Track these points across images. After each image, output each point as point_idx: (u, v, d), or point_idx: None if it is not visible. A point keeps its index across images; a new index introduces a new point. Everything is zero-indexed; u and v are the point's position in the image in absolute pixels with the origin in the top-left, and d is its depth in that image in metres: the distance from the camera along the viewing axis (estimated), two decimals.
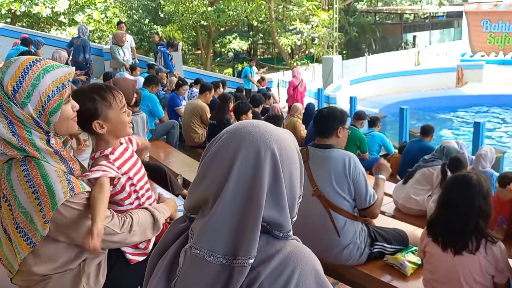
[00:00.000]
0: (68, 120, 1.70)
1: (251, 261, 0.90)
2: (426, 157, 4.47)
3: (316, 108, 9.43)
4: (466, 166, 4.01)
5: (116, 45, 9.00)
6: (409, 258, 2.80)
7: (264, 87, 12.73)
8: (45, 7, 15.44)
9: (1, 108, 1.55)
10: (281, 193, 0.94)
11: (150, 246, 2.07)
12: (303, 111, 8.02)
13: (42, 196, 1.58)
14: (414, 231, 3.19)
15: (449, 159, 4.05)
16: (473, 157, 5.56)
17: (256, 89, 12.32)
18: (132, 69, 8.87)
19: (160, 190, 3.65)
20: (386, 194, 4.68)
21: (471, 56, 21.71)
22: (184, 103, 7.35)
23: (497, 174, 5.68)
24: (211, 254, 0.90)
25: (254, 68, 13.41)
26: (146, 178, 2.14)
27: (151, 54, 22.28)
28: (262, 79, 12.93)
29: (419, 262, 2.75)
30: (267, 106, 8.99)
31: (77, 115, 1.76)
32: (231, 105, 6.21)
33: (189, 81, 8.60)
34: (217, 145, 0.96)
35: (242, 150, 0.93)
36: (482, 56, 21.37)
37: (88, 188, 1.72)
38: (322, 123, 2.96)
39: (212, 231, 0.91)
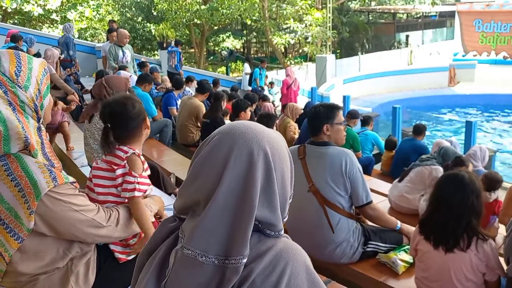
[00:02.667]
0: (51, 107, 1.82)
1: (245, 260, 0.90)
2: (423, 156, 4.50)
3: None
4: (467, 165, 4.04)
5: (116, 45, 7.95)
6: (401, 257, 2.80)
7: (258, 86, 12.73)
8: (37, 6, 15.32)
9: (6, 94, 1.58)
10: (274, 193, 0.95)
11: None
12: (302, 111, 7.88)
13: (25, 188, 1.58)
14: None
15: (452, 160, 4.07)
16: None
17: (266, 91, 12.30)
18: (122, 69, 7.95)
19: (152, 189, 3.64)
20: (380, 193, 4.73)
21: (463, 56, 21.84)
22: (179, 102, 7.30)
23: None
24: (203, 255, 0.90)
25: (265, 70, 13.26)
26: None
27: (144, 52, 22.25)
28: (271, 84, 12.87)
29: (411, 261, 2.76)
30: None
31: (123, 119, 2.08)
32: (224, 104, 6.20)
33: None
34: (209, 146, 0.96)
35: (235, 150, 0.93)
36: (474, 55, 21.50)
37: (71, 179, 1.73)
38: (310, 122, 3.03)
39: (205, 231, 0.91)
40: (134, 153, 2.08)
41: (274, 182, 0.95)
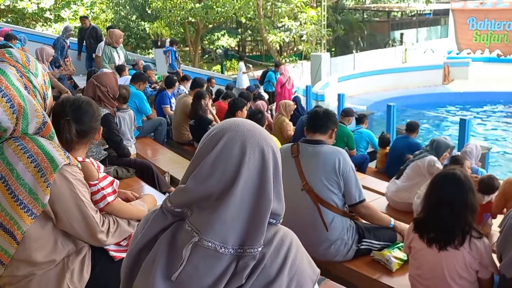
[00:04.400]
0: (52, 102, 1.90)
1: (260, 249, 1.00)
2: (416, 152, 4.53)
3: (301, 102, 9.48)
4: (463, 164, 4.05)
5: (110, 46, 7.51)
6: (395, 254, 2.82)
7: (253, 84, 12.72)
8: (31, 3, 15.20)
9: (22, 78, 1.70)
10: (280, 186, 1.07)
11: None
12: (295, 106, 7.89)
13: (41, 163, 1.64)
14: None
15: (450, 159, 4.08)
16: (459, 153, 5.63)
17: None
18: (120, 70, 7.65)
19: (147, 187, 3.63)
20: (375, 191, 4.75)
21: (457, 54, 21.93)
22: (173, 100, 7.29)
23: (483, 170, 5.77)
24: (222, 246, 0.97)
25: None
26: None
27: (139, 50, 22.17)
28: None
29: (405, 258, 2.77)
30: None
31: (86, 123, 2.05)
32: (207, 102, 6.18)
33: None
34: (220, 144, 1.02)
35: (248, 148, 1.01)
36: (468, 53, 21.59)
37: (79, 165, 1.82)
38: (320, 120, 2.99)
39: (224, 224, 0.98)
40: (77, 164, 1.95)
41: (280, 176, 1.06)
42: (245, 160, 1.00)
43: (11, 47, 7.02)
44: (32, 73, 1.74)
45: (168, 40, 13.95)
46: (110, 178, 2.09)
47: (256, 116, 5.44)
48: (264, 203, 1.00)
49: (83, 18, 10.23)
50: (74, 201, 1.74)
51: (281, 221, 1.09)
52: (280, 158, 1.08)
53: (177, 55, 11.66)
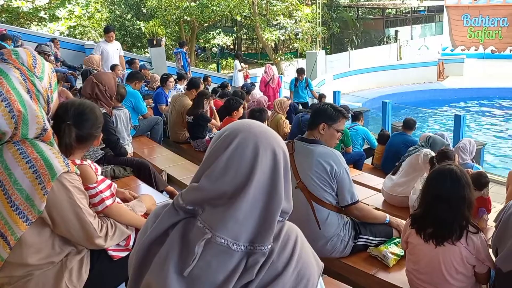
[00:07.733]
0: (57, 104, 1.90)
1: (270, 246, 1.02)
2: (411, 148, 4.53)
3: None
4: (454, 159, 4.06)
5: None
6: (392, 250, 2.83)
7: (248, 81, 12.72)
8: (26, 1, 15.09)
9: (25, 82, 1.69)
10: (289, 185, 1.10)
11: (131, 243, 2.08)
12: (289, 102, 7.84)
13: (40, 169, 1.64)
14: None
15: (438, 153, 4.09)
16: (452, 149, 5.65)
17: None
18: (112, 69, 7.86)
19: (144, 186, 3.64)
20: (371, 187, 4.76)
21: (451, 50, 21.98)
22: (169, 99, 7.27)
23: (478, 166, 5.80)
24: (234, 243, 1.00)
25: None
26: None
27: (134, 49, 22.10)
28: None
29: (402, 253, 2.79)
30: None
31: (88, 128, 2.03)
32: (208, 102, 6.17)
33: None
34: (234, 144, 1.04)
35: (261, 149, 1.04)
36: (462, 50, 21.66)
37: (78, 171, 1.81)
38: (311, 116, 3.02)
39: (237, 222, 1.00)
40: (76, 171, 1.91)
41: (289, 176, 1.09)
42: (258, 160, 1.02)
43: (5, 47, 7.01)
44: (37, 77, 1.73)
45: (164, 39, 13.91)
46: (108, 181, 2.09)
47: (255, 114, 5.52)
48: (275, 202, 1.03)
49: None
50: (72, 208, 1.73)
51: (287, 218, 1.12)
52: (288, 158, 1.10)
53: (187, 56, 11.64)
